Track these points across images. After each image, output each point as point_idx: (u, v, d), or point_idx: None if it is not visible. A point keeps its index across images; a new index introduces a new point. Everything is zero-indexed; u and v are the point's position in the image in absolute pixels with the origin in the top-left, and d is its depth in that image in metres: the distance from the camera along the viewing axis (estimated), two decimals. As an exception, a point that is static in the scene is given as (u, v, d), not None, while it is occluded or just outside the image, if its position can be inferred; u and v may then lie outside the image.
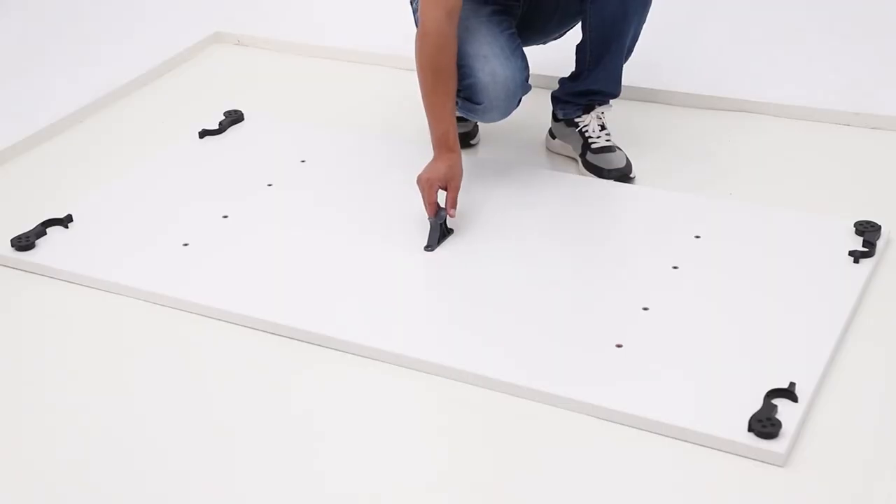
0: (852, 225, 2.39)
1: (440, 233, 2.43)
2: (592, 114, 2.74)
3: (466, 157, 2.71)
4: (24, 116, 3.12)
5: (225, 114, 3.02)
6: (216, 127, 2.97)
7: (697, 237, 2.42)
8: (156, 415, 2.06)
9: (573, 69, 2.75)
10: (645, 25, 2.67)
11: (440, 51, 2.42)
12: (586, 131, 2.73)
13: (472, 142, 2.89)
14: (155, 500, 1.88)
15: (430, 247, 2.42)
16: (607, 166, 2.69)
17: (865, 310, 2.20)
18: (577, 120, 2.75)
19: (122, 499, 1.89)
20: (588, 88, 2.73)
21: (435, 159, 2.46)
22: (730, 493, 1.82)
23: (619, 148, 2.72)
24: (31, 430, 2.06)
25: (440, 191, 2.43)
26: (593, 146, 2.72)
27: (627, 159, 2.70)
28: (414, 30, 2.49)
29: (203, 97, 3.25)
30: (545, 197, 2.60)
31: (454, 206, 2.44)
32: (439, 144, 2.46)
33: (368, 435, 2.00)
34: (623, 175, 2.69)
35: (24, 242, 2.50)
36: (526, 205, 2.58)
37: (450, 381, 2.08)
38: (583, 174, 2.73)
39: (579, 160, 2.75)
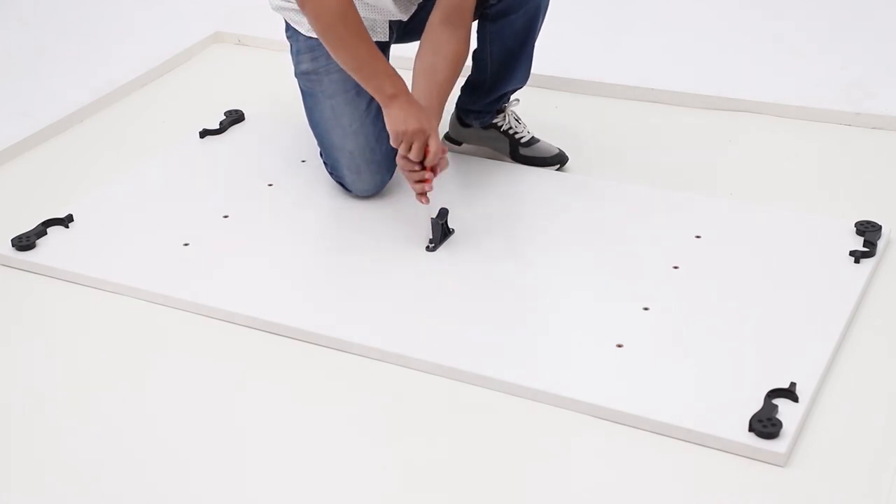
0: (853, 225, 2.39)
1: (441, 232, 2.43)
2: (507, 111, 2.73)
3: (462, 158, 2.71)
4: (25, 116, 3.11)
5: (225, 113, 3.02)
6: (217, 127, 2.97)
7: (698, 237, 2.42)
8: (156, 414, 2.06)
9: (471, 75, 2.64)
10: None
11: (341, 20, 2.28)
12: (510, 129, 2.73)
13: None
14: (157, 499, 1.88)
15: (431, 246, 2.42)
16: (546, 154, 2.71)
17: (866, 310, 2.20)
18: (495, 122, 2.73)
19: (125, 498, 1.89)
20: (500, 94, 2.68)
21: (395, 111, 2.31)
22: (730, 493, 1.82)
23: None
24: (30, 430, 2.06)
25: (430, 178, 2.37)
26: (522, 140, 2.73)
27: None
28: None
29: (203, 97, 3.25)
30: (545, 197, 2.60)
31: (436, 159, 2.32)
32: (394, 93, 2.32)
33: (369, 434, 2.00)
34: (564, 158, 2.71)
35: (24, 242, 2.50)
36: (526, 204, 2.58)
37: (449, 380, 2.08)
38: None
39: (508, 158, 2.75)
